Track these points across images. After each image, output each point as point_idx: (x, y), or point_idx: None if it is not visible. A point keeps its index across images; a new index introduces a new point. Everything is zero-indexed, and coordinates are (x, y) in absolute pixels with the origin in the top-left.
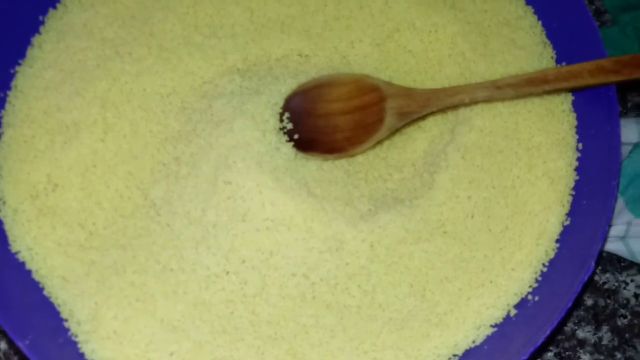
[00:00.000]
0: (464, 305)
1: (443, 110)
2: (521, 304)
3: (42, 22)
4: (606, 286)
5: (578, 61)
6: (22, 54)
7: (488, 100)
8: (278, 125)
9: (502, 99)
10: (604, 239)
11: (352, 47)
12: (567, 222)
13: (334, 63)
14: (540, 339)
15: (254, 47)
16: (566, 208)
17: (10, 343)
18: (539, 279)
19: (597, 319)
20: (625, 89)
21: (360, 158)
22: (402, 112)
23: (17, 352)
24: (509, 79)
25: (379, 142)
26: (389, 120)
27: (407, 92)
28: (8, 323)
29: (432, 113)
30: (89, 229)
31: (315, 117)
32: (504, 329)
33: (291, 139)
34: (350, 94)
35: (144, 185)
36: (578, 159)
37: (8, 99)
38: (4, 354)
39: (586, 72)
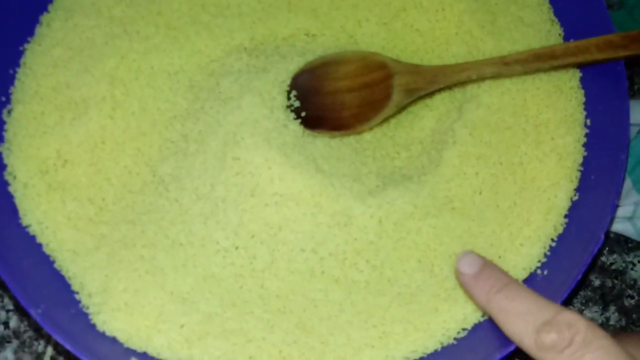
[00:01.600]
0: None
1: (450, 87)
2: (530, 279)
3: (51, 1)
4: (613, 267)
5: (586, 33)
6: (30, 32)
7: (496, 76)
8: (285, 102)
9: (510, 75)
10: (613, 212)
11: (359, 26)
12: (576, 198)
13: (341, 42)
14: None
15: (260, 26)
16: (574, 184)
17: (21, 319)
18: (548, 253)
19: (605, 299)
20: (633, 71)
21: (367, 136)
22: (409, 88)
23: (27, 329)
24: (517, 55)
25: (386, 120)
26: (396, 97)
27: (414, 69)
28: (20, 292)
29: (440, 90)
30: (99, 204)
31: (323, 95)
32: None
33: (298, 117)
34: (357, 71)
35: (153, 161)
36: (586, 135)
37: (17, 76)
38: (13, 331)
39: (594, 47)
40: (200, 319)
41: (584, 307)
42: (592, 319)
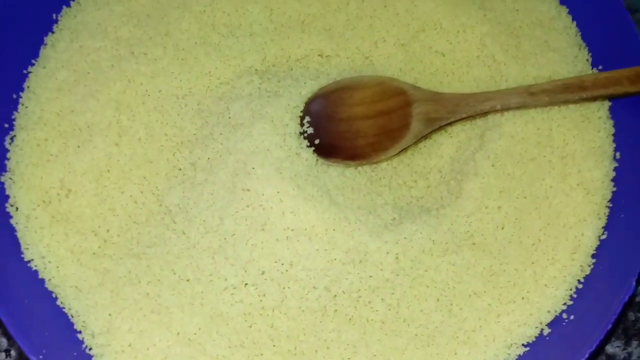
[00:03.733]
0: (493, 322)
1: (472, 116)
2: (555, 323)
3: (56, 21)
4: (637, 299)
5: (615, 65)
6: (35, 54)
7: (521, 107)
8: (298, 129)
9: (536, 106)
10: None
11: (375, 47)
12: (604, 236)
13: (357, 64)
14: None
15: (273, 47)
16: (603, 221)
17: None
18: (574, 296)
19: (627, 333)
20: None
21: (383, 164)
22: (430, 117)
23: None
24: (544, 85)
25: (404, 149)
26: (416, 126)
27: (435, 97)
28: (21, 338)
29: (461, 119)
30: (103, 236)
31: (337, 122)
32: (537, 348)
33: (312, 144)
34: (373, 97)
35: (159, 191)
36: (615, 169)
37: (21, 100)
38: None
39: (626, 79)
40: None
41: (605, 341)
42: (613, 354)
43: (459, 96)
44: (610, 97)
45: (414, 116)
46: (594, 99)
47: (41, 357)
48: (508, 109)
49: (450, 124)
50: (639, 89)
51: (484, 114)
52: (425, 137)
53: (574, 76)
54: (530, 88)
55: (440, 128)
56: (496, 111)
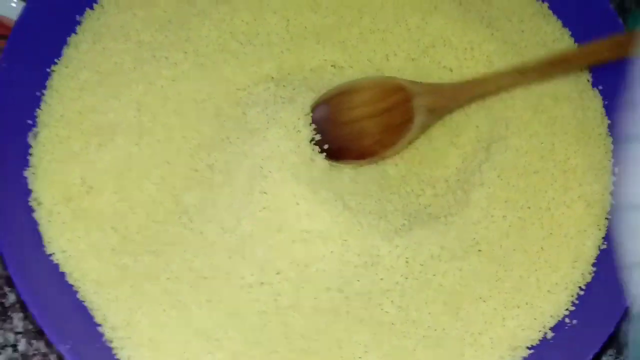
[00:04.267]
0: (499, 325)
1: (470, 102)
2: (558, 327)
3: (79, 22)
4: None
5: (615, 82)
6: (58, 53)
7: (513, 86)
8: (311, 135)
9: (528, 84)
10: None
11: (386, 60)
12: (604, 246)
13: (369, 75)
14: None
15: (289, 57)
16: (602, 232)
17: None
18: (576, 302)
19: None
20: None
21: (392, 171)
22: (432, 108)
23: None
24: (531, 64)
25: (411, 155)
26: (419, 119)
27: (433, 89)
28: (50, 327)
29: (463, 106)
30: (122, 233)
31: (340, 125)
32: (541, 351)
33: (322, 150)
34: (374, 97)
35: (177, 191)
36: (614, 183)
37: (44, 98)
38: (22, 355)
39: (605, 49)
40: (225, 357)
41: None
42: None
43: (456, 85)
44: (594, 64)
45: (416, 109)
46: (579, 69)
47: (68, 346)
48: (501, 89)
49: (455, 133)
50: (616, 55)
51: (481, 98)
52: (428, 127)
53: (558, 52)
54: (519, 68)
55: (446, 136)
56: (492, 94)
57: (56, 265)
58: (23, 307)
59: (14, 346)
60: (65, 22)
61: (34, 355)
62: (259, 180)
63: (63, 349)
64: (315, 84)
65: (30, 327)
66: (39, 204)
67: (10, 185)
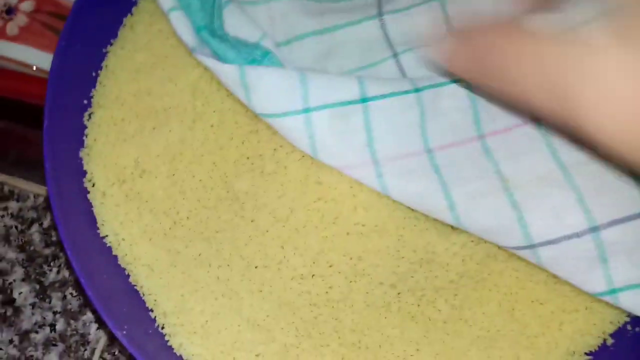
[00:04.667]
0: (556, 329)
1: None
2: (619, 333)
3: (135, 3)
4: None
5: None
6: (114, 34)
7: None
8: None
9: None
10: None
11: None
12: None
13: None
14: None
15: None
16: None
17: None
18: None
19: None
20: None
21: None
22: None
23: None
24: None
25: None
26: None
27: None
28: (106, 312)
29: None
30: (173, 217)
31: None
32: (600, 358)
33: None
34: None
35: (228, 177)
36: None
37: (99, 79)
38: (60, 335)
39: None
40: (277, 349)
41: None
42: None
43: None
44: None
45: None
46: None
47: (124, 332)
48: None
49: None
50: None
51: None
52: None
53: None
54: None
55: None
56: None
57: (109, 248)
58: (62, 286)
59: (52, 326)
60: (122, 3)
61: (72, 335)
62: (315, 170)
63: (119, 334)
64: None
65: (69, 307)
66: (94, 185)
67: (67, 166)
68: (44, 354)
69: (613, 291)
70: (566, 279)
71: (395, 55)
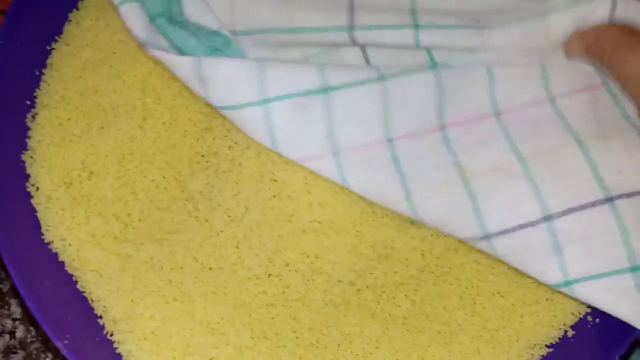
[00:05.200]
0: (517, 322)
1: None
2: (580, 325)
3: None
4: None
5: None
6: (59, 31)
7: None
8: None
9: None
10: None
11: None
12: None
13: None
14: None
15: None
16: None
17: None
18: None
19: None
20: None
21: None
22: None
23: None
24: None
25: None
26: None
27: None
28: (46, 322)
29: None
30: (124, 220)
31: None
32: (561, 350)
33: None
34: None
35: (182, 176)
36: None
37: (43, 77)
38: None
39: None
40: (231, 352)
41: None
42: None
43: None
44: None
45: None
46: None
47: (66, 342)
48: None
49: None
50: None
51: None
52: None
53: None
54: None
55: None
56: None
57: (55, 254)
58: None
59: (12, 333)
60: None
61: (32, 342)
62: (270, 167)
63: (60, 344)
64: None
65: (29, 313)
66: (37, 189)
67: (8, 170)
68: None
69: (568, 283)
70: (524, 271)
71: (363, 47)
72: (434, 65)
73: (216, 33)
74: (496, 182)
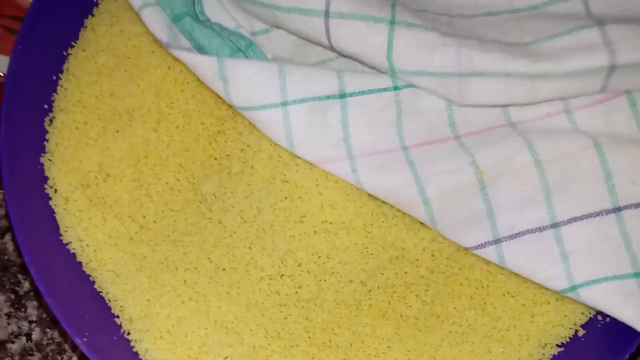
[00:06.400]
0: (527, 321)
1: None
2: (590, 324)
3: (97, 4)
4: None
5: None
6: (75, 36)
7: None
8: None
9: None
10: None
11: None
12: None
13: None
14: None
15: None
16: None
17: (44, 331)
18: None
19: None
20: None
21: None
22: None
23: (50, 342)
24: None
25: None
26: None
27: None
28: (65, 319)
29: None
30: (139, 222)
31: None
32: (572, 349)
33: None
34: None
35: (195, 179)
36: None
37: (60, 82)
38: (36, 344)
39: None
40: (245, 351)
41: None
42: None
43: None
44: None
45: None
46: None
47: (85, 339)
48: None
49: None
50: None
51: None
52: None
53: None
54: None
55: None
56: None
57: (73, 255)
58: (38, 295)
59: (28, 335)
60: (83, 4)
61: (48, 344)
62: (281, 169)
63: (79, 342)
64: None
65: (45, 315)
66: (55, 191)
67: (27, 172)
68: None
69: (574, 288)
70: (530, 277)
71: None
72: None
73: (239, 35)
74: (511, 185)
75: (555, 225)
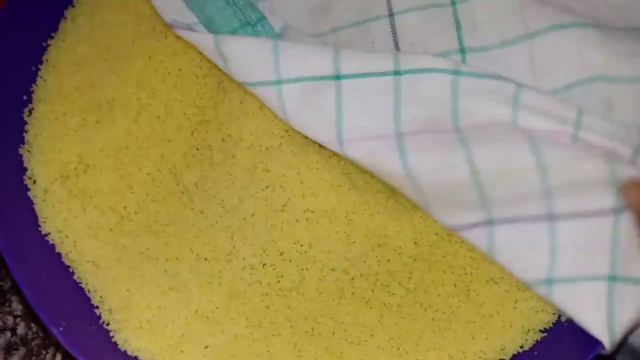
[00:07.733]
0: (511, 307)
1: None
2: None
3: None
4: None
5: None
6: (54, 27)
7: None
8: None
9: None
10: None
11: None
12: None
13: None
14: (598, 348)
15: None
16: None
17: (29, 325)
18: None
19: None
20: None
21: None
22: None
23: (35, 336)
24: None
25: None
26: None
27: None
28: (42, 308)
29: None
30: (120, 212)
31: None
32: (555, 334)
33: None
34: None
35: (177, 170)
36: None
37: (40, 73)
38: (21, 339)
39: None
40: (226, 340)
41: None
42: None
43: None
44: None
45: None
46: None
47: (61, 328)
48: None
49: None
50: None
51: None
52: None
53: None
54: None
55: None
56: None
57: (52, 246)
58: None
59: (13, 330)
60: None
61: (33, 339)
62: (262, 158)
63: (55, 331)
64: None
65: (30, 310)
66: (34, 182)
67: (5, 163)
68: (5, 358)
69: (550, 281)
70: (507, 265)
71: (391, 15)
72: (456, 72)
73: (253, 7)
74: (510, 188)
75: (551, 218)
